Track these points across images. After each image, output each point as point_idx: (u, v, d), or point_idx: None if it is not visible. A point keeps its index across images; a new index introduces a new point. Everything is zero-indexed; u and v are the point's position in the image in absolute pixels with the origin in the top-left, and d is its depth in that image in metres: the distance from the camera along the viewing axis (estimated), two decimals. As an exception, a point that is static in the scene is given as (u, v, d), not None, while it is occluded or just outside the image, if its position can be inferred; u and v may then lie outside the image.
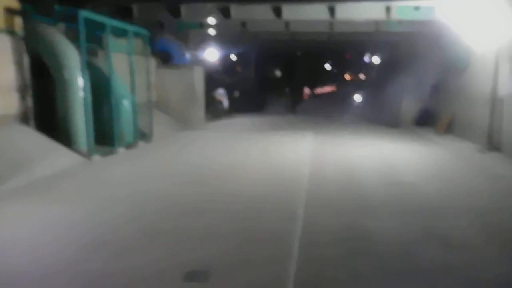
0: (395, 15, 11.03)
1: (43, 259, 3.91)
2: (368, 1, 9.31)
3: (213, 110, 18.03)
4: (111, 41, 10.76)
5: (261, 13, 11.24)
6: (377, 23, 13.33)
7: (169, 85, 14.96)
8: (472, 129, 10.42)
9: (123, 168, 7.98)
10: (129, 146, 10.13)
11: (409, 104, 15.22)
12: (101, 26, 10.15)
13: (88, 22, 9.13)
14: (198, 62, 16.73)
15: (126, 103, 10.38)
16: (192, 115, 15.17)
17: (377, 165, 8.18)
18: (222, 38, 17.26)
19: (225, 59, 25.31)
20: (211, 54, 18.16)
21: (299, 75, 34.01)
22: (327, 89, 43.42)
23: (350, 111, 22.08)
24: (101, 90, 9.55)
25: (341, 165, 8.17)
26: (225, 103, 19.07)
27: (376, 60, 30.37)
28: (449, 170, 7.93)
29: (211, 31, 14.94)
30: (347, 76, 50.11)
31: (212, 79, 20.17)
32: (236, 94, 21.70)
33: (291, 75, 33.73)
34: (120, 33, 10.80)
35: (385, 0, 9.28)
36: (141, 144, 10.62)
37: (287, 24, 13.53)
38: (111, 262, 3.84)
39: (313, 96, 36.23)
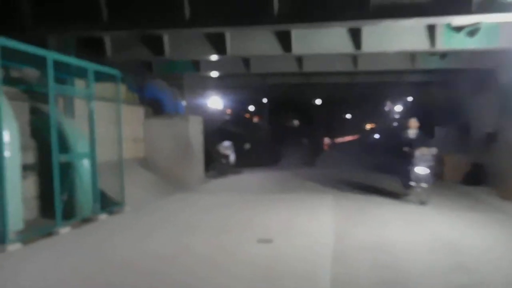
0: (441, 44, 8.29)
1: None
2: (403, 18, 6.58)
3: (216, 166, 15.32)
4: (70, 83, 8.45)
5: (264, 44, 8.67)
6: (413, 56, 10.63)
7: (159, 138, 12.45)
8: None
9: (39, 269, 5.10)
10: (83, 221, 7.38)
11: (453, 158, 12.18)
12: (67, 67, 7.85)
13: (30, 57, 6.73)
14: (197, 110, 14.25)
15: (84, 163, 7.79)
16: (186, 174, 12.45)
17: (442, 269, 4.92)
18: (226, 83, 14.84)
19: (234, 108, 22.99)
20: (214, 102, 15.75)
21: (318, 125, 31.44)
22: (348, 138, 40.88)
23: (375, 164, 19.02)
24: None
25: (382, 268, 5.02)
26: (231, 157, 16.35)
27: (404, 105, 27.63)
28: None
29: (213, 74, 12.48)
30: (369, 125, 47.80)
31: (218, 130, 17.72)
32: (247, 146, 19.10)
33: (309, 125, 31.17)
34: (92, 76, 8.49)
35: (427, 16, 6.51)
36: (102, 218, 7.82)
37: (299, 61, 10.96)
38: None
39: (334, 145, 33.52)
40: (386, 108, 41.70)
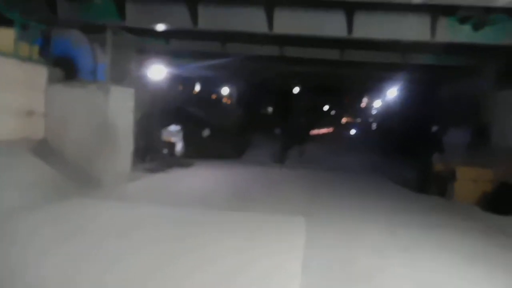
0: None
1: None
2: None
3: (154, 157, 11.73)
4: None
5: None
6: (434, 22, 7.25)
7: (67, 113, 8.91)
8: None
9: None
10: None
11: (469, 172, 8.99)
12: None
13: None
14: (131, 80, 10.54)
15: None
16: (103, 167, 8.85)
17: None
18: (174, 48, 11.16)
19: (194, 85, 19.36)
20: (158, 73, 12.06)
21: (295, 114, 28.01)
22: (324, 131, 37.81)
23: (360, 166, 16.00)
24: None
25: None
26: (179, 146, 12.79)
27: (387, 100, 24.54)
28: None
29: (159, 27, 8.76)
30: (345, 119, 45.47)
31: (171, 110, 14.15)
32: (206, 133, 15.59)
33: (285, 113, 27.71)
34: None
35: None
36: None
37: (268, 14, 7.38)
38: None
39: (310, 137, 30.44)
40: (362, 104, 38.73)
